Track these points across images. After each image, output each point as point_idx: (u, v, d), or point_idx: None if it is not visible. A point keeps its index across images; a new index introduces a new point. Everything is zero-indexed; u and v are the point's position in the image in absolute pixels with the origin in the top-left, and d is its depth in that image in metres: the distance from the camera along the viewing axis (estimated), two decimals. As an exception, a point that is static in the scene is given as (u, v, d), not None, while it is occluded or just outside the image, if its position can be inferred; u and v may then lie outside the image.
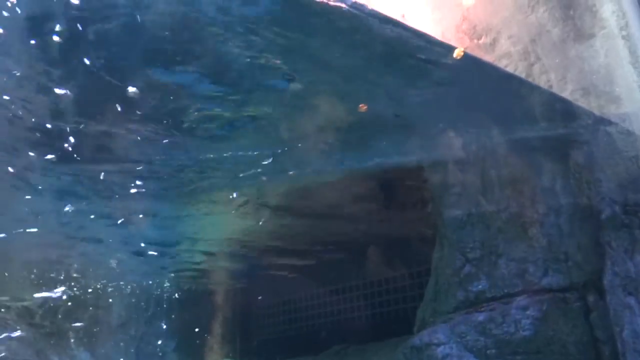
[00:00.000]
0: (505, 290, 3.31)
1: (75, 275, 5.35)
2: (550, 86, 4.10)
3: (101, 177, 3.71)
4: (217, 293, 6.39)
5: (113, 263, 5.19)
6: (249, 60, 2.75)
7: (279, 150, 3.72)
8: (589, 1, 3.96)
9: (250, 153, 3.67)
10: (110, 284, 5.70)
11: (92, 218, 4.28)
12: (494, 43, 4.66)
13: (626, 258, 3.15)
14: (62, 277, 5.31)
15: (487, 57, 4.67)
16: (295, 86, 3.01)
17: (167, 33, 2.55)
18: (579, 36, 3.98)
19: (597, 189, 3.38)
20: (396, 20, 3.02)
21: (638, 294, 3.09)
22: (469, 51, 4.79)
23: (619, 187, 3.34)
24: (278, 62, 2.81)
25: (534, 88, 3.96)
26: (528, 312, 3.20)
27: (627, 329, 3.05)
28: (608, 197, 3.32)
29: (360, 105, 3.41)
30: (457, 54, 4.82)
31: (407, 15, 5.56)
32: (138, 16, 2.46)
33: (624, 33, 3.71)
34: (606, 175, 3.40)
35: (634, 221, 3.22)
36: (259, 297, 6.39)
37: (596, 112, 3.71)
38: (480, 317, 3.27)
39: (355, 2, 2.73)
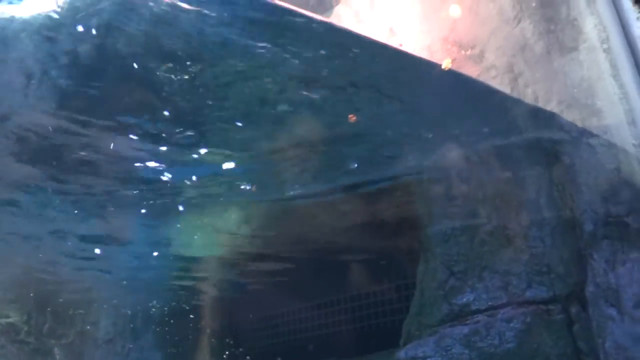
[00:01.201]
0: (490, 303, 3.33)
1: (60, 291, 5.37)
2: (535, 98, 4.16)
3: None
4: (204, 309, 6.39)
5: (96, 279, 5.21)
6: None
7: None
8: (571, 15, 4.02)
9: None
10: (96, 300, 5.71)
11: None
12: (481, 55, 4.72)
13: (608, 269, 3.18)
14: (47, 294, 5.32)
15: (475, 69, 4.72)
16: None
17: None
18: (562, 49, 4.03)
19: (579, 200, 3.41)
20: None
21: (620, 305, 3.11)
22: (457, 63, 4.86)
23: (601, 199, 3.38)
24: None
25: (518, 100, 4.01)
26: (512, 325, 3.22)
27: (610, 340, 3.07)
28: (590, 208, 3.35)
29: (350, 116, 3.44)
30: (445, 65, 4.88)
31: (395, 27, 5.63)
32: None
33: (605, 46, 3.76)
34: (588, 187, 3.44)
35: (615, 232, 3.25)
36: (247, 313, 6.39)
37: (578, 124, 3.75)
38: (465, 330, 3.29)
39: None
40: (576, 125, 3.71)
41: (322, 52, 2.63)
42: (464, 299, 3.39)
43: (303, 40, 2.53)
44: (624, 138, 3.45)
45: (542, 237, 3.38)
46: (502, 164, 3.64)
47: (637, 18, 3.40)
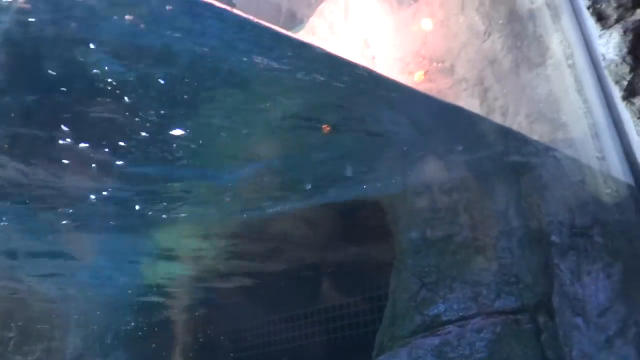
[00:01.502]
0: (461, 314, 3.37)
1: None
2: (504, 112, 4.25)
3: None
4: (174, 323, 6.31)
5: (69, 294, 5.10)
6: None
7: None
8: (537, 32, 4.13)
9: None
10: (66, 315, 5.59)
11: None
12: (452, 68, 4.80)
13: (574, 280, 3.26)
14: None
15: (446, 81, 4.81)
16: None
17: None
18: (530, 64, 4.13)
19: (546, 212, 3.50)
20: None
21: (585, 314, 3.19)
22: (429, 75, 4.94)
23: (567, 211, 3.46)
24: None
25: (488, 115, 4.10)
26: (482, 335, 3.27)
27: (576, 349, 3.14)
28: (556, 220, 3.43)
29: (324, 127, 3.46)
30: (418, 77, 4.95)
31: (369, 39, 5.70)
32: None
33: (570, 62, 3.86)
34: (555, 199, 3.53)
35: (581, 244, 3.34)
36: (219, 326, 6.32)
37: (545, 138, 3.85)
38: (437, 341, 3.32)
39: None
40: (543, 139, 3.81)
41: (291, 70, 2.65)
42: (436, 310, 3.43)
43: (274, 56, 2.54)
44: (589, 151, 3.54)
45: (511, 248, 3.45)
46: (473, 177, 3.71)
47: (600, 36, 3.51)
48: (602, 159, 3.44)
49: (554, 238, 3.39)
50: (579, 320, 3.17)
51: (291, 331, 5.76)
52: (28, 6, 2.18)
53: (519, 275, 3.38)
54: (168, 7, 2.30)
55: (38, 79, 2.57)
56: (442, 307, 3.42)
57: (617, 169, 3.34)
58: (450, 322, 3.37)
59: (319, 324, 5.51)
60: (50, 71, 2.49)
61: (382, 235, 4.09)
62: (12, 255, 4.31)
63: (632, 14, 3.37)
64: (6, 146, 3.00)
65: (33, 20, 2.28)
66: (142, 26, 2.24)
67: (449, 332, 3.32)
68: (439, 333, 3.35)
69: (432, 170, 3.73)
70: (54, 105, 2.72)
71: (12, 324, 5.34)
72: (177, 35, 2.40)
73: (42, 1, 2.15)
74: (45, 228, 3.89)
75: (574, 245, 3.35)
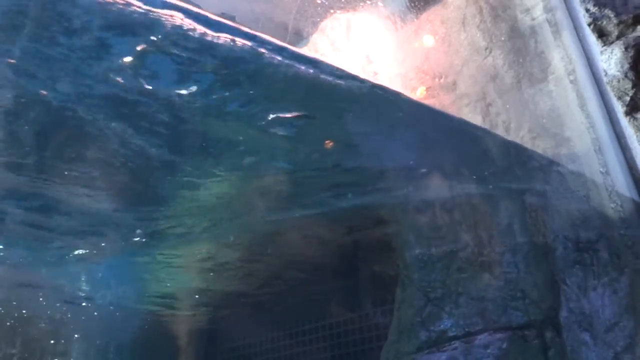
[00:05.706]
0: (467, 329, 3.36)
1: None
2: (506, 127, 4.28)
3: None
4: (179, 336, 6.28)
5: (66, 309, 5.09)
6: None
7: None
8: (539, 48, 4.18)
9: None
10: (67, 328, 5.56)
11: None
12: (454, 83, 4.84)
13: (580, 295, 3.26)
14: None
15: (448, 97, 4.84)
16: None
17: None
18: (531, 80, 4.17)
19: (551, 227, 3.50)
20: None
21: (592, 329, 3.18)
22: (431, 91, 4.98)
23: (572, 225, 3.47)
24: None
25: (490, 130, 4.12)
26: (489, 351, 3.25)
27: (584, 365, 3.13)
28: (561, 235, 3.43)
29: (326, 142, 3.48)
30: (420, 93, 4.98)
31: (371, 55, 5.75)
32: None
33: (571, 78, 3.90)
34: (559, 214, 3.53)
35: (586, 258, 3.34)
36: (224, 341, 6.29)
37: (548, 152, 3.87)
38: (443, 357, 3.30)
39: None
40: (546, 154, 3.83)
41: (295, 83, 2.66)
42: (441, 326, 3.42)
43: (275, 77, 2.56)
44: (592, 166, 3.56)
45: (516, 263, 3.45)
46: (476, 192, 3.72)
47: (601, 52, 3.55)
48: (606, 173, 3.45)
49: (559, 253, 3.39)
50: (586, 336, 3.16)
51: (295, 347, 5.72)
52: None
53: (524, 290, 3.37)
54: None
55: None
56: (447, 323, 3.40)
57: (621, 183, 3.35)
58: (456, 338, 3.35)
59: (323, 339, 5.48)
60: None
61: (387, 249, 4.08)
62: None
63: (633, 30, 3.42)
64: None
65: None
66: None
67: (455, 348, 3.30)
68: (445, 349, 3.33)
69: (435, 184, 3.74)
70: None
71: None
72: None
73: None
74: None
75: (579, 259, 3.34)
